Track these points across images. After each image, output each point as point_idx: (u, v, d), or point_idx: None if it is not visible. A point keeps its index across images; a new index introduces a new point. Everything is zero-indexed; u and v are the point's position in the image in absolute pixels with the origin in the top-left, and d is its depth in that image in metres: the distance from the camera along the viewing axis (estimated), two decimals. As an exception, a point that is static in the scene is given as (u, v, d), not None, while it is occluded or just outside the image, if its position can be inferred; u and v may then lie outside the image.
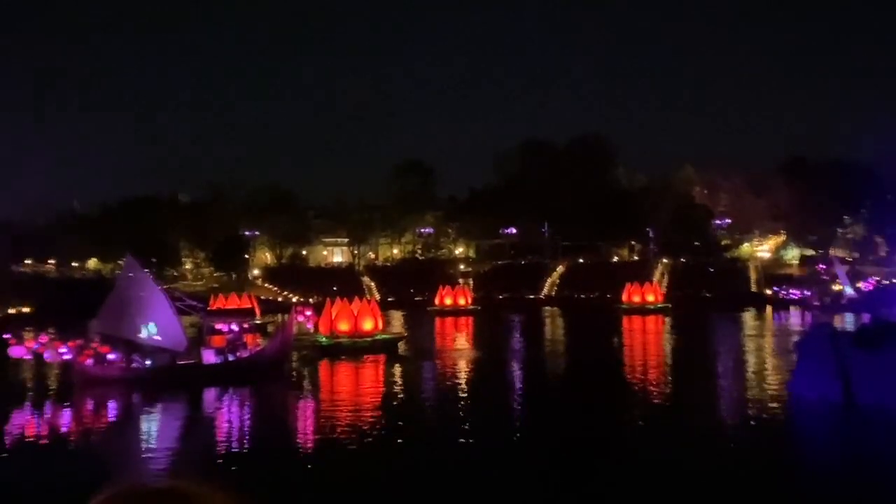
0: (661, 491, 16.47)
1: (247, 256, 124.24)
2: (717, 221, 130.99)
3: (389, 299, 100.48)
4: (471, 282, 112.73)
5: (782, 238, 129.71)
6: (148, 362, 33.02)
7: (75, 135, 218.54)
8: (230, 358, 34.44)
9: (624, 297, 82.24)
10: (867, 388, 24.05)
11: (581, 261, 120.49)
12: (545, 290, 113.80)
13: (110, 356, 33.26)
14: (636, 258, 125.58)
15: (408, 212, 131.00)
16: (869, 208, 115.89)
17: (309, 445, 22.22)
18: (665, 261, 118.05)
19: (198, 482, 1.53)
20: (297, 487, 17.21)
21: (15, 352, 32.67)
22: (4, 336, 34.21)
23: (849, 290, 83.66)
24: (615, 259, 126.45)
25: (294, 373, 36.85)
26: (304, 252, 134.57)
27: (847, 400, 24.46)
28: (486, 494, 16.55)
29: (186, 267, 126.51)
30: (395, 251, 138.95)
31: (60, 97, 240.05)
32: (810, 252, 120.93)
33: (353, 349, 42.95)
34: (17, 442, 22.94)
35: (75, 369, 32.91)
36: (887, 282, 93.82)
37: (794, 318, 70.65)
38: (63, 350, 32.89)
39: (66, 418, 27.17)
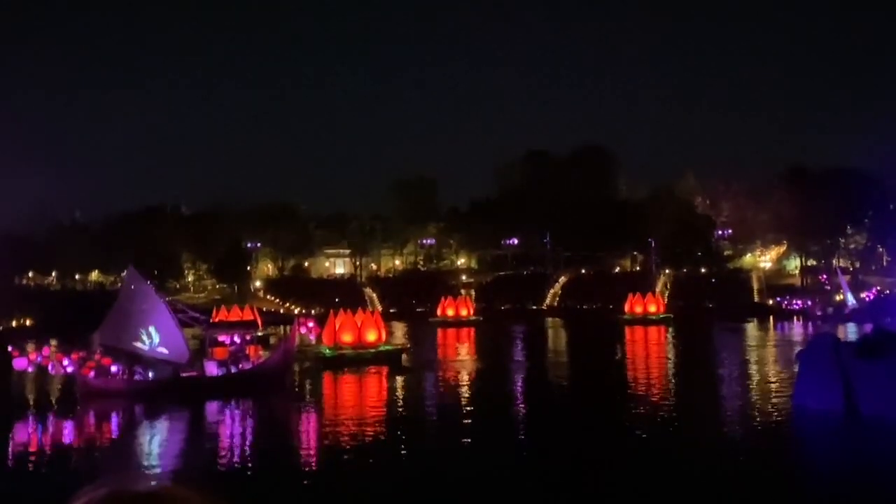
0: (665, 500, 16.45)
1: (249, 268, 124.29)
2: (719, 232, 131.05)
3: (391, 310, 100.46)
4: (473, 293, 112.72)
5: (784, 248, 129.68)
6: (150, 374, 33.03)
7: (78, 145, 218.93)
8: (233, 370, 34.44)
9: (626, 308, 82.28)
10: (870, 398, 24.01)
11: (583, 271, 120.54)
12: (547, 301, 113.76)
13: (113, 368, 33.27)
14: (638, 269, 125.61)
15: (410, 223, 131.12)
16: (871, 218, 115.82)
17: (311, 458, 22.20)
18: (667, 271, 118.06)
19: (182, 486, 1.53)
20: (299, 500, 17.19)
21: (18, 364, 32.66)
22: (7, 348, 34.21)
23: (851, 301, 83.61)
24: (617, 270, 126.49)
25: (297, 385, 36.83)
26: (306, 263, 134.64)
27: (850, 410, 24.41)
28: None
29: (188, 279, 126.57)
30: (397, 262, 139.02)
31: (63, 107, 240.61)
32: (812, 262, 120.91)
33: (357, 360, 42.94)
34: (19, 454, 22.94)
35: (78, 382, 32.90)
36: (889, 292, 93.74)
37: (797, 329, 70.57)
38: (66, 362, 32.89)
39: (68, 431, 27.16)
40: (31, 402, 33.54)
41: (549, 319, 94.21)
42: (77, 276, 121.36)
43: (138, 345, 33.56)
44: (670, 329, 71.08)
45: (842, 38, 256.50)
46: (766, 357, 46.89)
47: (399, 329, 74.95)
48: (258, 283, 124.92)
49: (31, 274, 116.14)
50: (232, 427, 28.06)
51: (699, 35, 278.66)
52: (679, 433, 24.18)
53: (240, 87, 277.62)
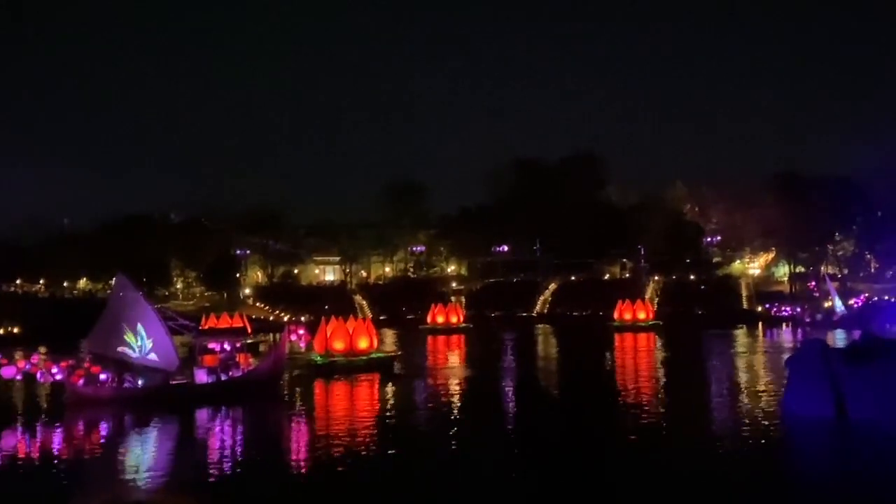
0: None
1: (238, 275, 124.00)
2: (708, 239, 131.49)
3: (381, 317, 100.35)
4: (463, 300, 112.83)
5: (773, 255, 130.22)
6: (140, 382, 32.91)
7: (67, 153, 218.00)
8: (223, 377, 34.35)
9: (615, 315, 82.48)
10: (859, 404, 24.14)
11: (573, 278, 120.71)
12: (537, 308, 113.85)
13: (102, 376, 33.14)
14: (628, 276, 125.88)
15: (400, 230, 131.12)
16: (859, 225, 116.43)
17: (302, 466, 22.15)
18: (656, 278, 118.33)
19: (171, 495, 1.54)
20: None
21: (6, 372, 32.50)
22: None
23: (840, 307, 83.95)
24: (607, 276, 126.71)
25: (287, 392, 36.72)
26: (295, 271, 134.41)
27: (839, 415, 24.54)
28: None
29: (177, 286, 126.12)
30: (388, 269, 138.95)
31: (52, 114, 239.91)
32: (801, 269, 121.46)
33: (349, 368, 42.90)
34: (7, 463, 22.82)
35: (67, 390, 32.76)
36: (877, 298, 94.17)
37: (786, 335, 70.81)
38: (55, 370, 32.76)
39: (57, 439, 27.00)
40: (20, 411, 33.36)
41: (539, 326, 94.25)
42: (65, 284, 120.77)
43: (126, 350, 33.43)
44: (659, 336, 71.23)
45: (831, 46, 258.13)
46: (755, 363, 47.01)
47: (389, 336, 74.87)
48: (247, 291, 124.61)
49: (18, 281, 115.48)
50: (222, 435, 27.96)
51: (689, 43, 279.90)
52: (669, 440, 24.25)
53: (230, 94, 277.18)
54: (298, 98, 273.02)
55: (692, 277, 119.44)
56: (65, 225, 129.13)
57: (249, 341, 57.59)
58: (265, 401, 33.35)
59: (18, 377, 33.41)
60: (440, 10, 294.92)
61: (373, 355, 45.60)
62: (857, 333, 47.74)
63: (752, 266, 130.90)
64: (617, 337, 70.14)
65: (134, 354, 33.37)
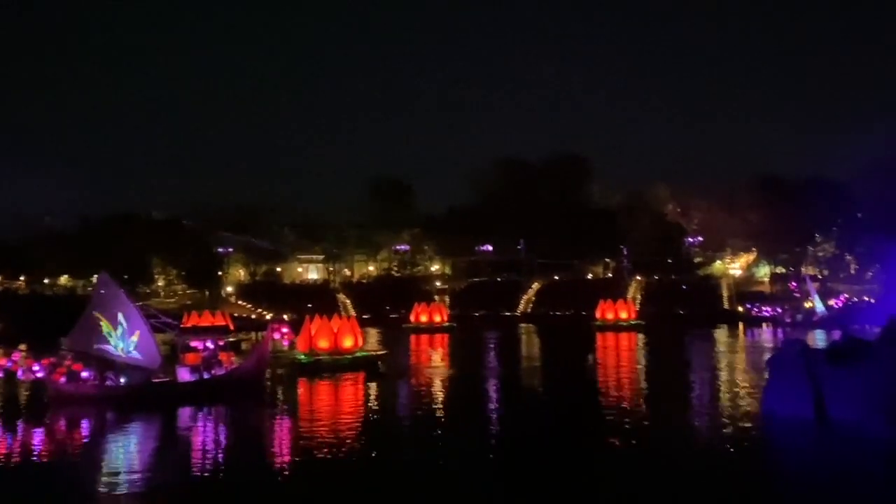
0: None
1: (220, 273, 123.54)
2: (690, 239, 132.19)
3: (365, 316, 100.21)
4: (447, 299, 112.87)
5: (754, 256, 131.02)
6: (122, 380, 32.78)
7: (49, 150, 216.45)
8: (205, 376, 34.27)
9: (597, 314, 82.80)
10: (838, 404, 24.34)
11: (556, 278, 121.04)
12: (521, 308, 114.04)
13: (84, 374, 33.00)
14: (610, 275, 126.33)
15: (384, 229, 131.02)
16: (839, 226, 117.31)
17: (285, 464, 22.15)
18: (639, 278, 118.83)
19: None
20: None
21: (-14, 370, 32.33)
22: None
23: (820, 308, 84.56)
24: (590, 276, 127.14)
25: (271, 391, 36.63)
26: (278, 269, 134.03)
27: (819, 416, 24.73)
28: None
29: (159, 284, 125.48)
30: (371, 268, 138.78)
31: (33, 112, 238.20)
32: (781, 270, 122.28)
33: (333, 367, 42.84)
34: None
35: (49, 387, 32.61)
36: (857, 299, 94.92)
37: (766, 335, 71.28)
38: (36, 368, 32.61)
39: (38, 437, 26.88)
40: (0, 408, 33.15)
41: (523, 326, 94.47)
42: (46, 281, 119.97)
43: (107, 348, 33.30)
44: (641, 335, 71.57)
45: (814, 50, 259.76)
46: (735, 363, 47.33)
47: (372, 335, 74.84)
48: (230, 289, 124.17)
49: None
50: (204, 433, 27.90)
51: (673, 45, 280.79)
52: (649, 439, 24.37)
53: (214, 92, 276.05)
54: (283, 96, 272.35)
55: (674, 277, 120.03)
56: (46, 222, 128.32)
57: (232, 339, 57.55)
58: (248, 400, 33.28)
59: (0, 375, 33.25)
60: (426, 10, 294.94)
61: (357, 354, 45.57)
62: (836, 334, 48.16)
63: (733, 266, 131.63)
64: (599, 336, 70.43)
65: (115, 352, 33.25)
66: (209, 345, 36.87)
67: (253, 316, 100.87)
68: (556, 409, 31.76)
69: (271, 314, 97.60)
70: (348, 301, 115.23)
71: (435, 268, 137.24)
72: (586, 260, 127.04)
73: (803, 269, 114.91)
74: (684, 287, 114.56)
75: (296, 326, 48.06)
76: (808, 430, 24.34)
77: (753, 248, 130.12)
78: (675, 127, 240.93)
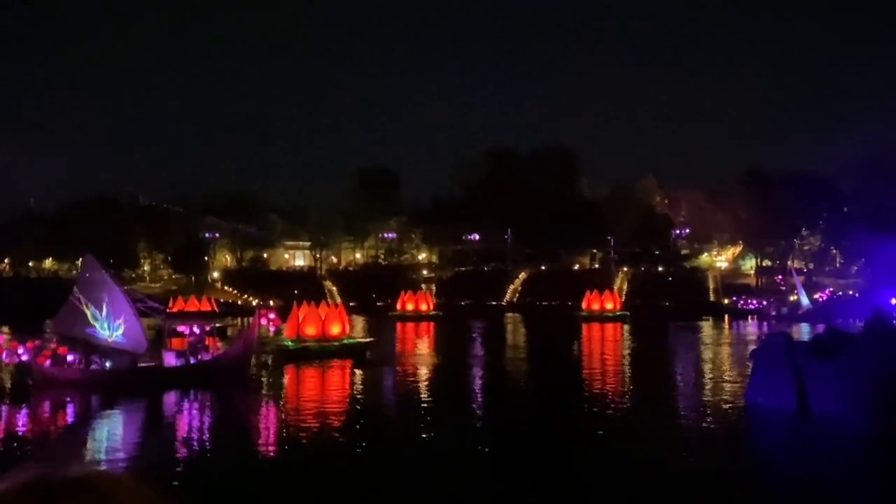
0: (619, 498, 16.69)
1: (206, 259, 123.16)
2: (677, 231, 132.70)
3: (351, 304, 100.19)
4: (433, 288, 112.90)
5: (740, 248, 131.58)
6: (108, 364, 32.65)
7: (34, 132, 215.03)
8: (192, 361, 34.15)
9: (583, 305, 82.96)
10: (821, 397, 24.48)
11: (543, 268, 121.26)
12: (507, 297, 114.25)
13: (69, 357, 32.85)
14: (597, 266, 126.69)
15: (372, 217, 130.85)
16: (825, 220, 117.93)
17: (270, 450, 22.16)
18: (625, 269, 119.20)
19: (113, 472, 1.51)
20: (257, 492, 17.16)
21: (-31, 353, 32.15)
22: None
23: (805, 301, 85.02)
24: (577, 267, 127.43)
25: (257, 377, 36.52)
26: (265, 255, 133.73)
27: (801, 408, 24.87)
28: (444, 495, 16.66)
29: (145, 269, 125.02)
30: (358, 256, 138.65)
31: (18, 93, 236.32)
32: (767, 263, 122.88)
33: (320, 354, 42.75)
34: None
35: (33, 370, 32.44)
36: (842, 293, 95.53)
37: (752, 328, 71.65)
38: (21, 351, 32.44)
39: (22, 420, 26.77)
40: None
41: (509, 315, 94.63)
42: (31, 264, 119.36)
43: (94, 332, 33.16)
44: (626, 326, 71.82)
45: (804, 45, 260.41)
46: (720, 355, 47.58)
47: (359, 323, 74.84)
48: (216, 274, 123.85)
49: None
50: (190, 418, 27.88)
51: (662, 38, 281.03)
52: (633, 429, 24.49)
53: (201, 76, 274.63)
54: (271, 84, 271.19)
55: (661, 269, 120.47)
56: (31, 205, 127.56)
57: (217, 325, 57.44)
58: (234, 385, 33.20)
59: (-17, 358, 33.05)
60: (415, 1, 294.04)
61: (345, 341, 45.51)
62: (821, 327, 48.46)
63: (719, 259, 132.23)
64: (584, 327, 70.63)
65: (101, 336, 33.11)
66: (196, 330, 36.76)
67: (239, 302, 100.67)
68: (540, 399, 31.84)
69: (257, 300, 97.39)
70: (335, 288, 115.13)
71: (422, 256, 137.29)
72: (573, 250, 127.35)
73: (789, 263, 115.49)
74: (670, 279, 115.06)
75: (282, 313, 48.00)
76: (789, 421, 24.49)
77: (740, 241, 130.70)
78: (663, 120, 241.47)
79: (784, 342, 27.47)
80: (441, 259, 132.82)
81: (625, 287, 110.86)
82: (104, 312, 33.08)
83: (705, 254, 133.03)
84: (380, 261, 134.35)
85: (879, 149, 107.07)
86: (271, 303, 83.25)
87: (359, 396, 32.36)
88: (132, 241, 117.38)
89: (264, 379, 36.36)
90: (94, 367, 32.55)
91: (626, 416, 26.76)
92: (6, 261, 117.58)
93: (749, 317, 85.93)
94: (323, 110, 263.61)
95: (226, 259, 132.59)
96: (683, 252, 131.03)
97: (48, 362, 32.48)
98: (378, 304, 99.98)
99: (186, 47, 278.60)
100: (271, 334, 46.02)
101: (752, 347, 36.19)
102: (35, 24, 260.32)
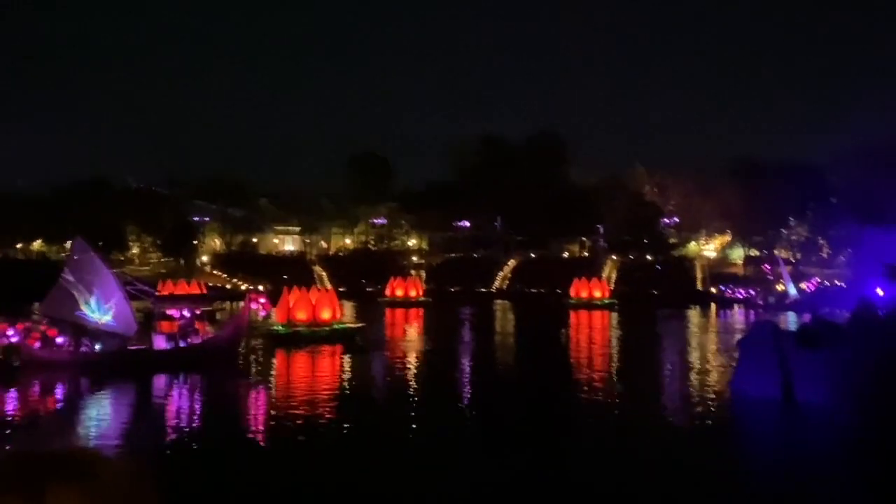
0: (605, 484, 16.88)
1: (196, 242, 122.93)
2: (666, 220, 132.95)
3: (340, 289, 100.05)
4: (423, 274, 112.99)
5: (728, 238, 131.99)
6: (97, 347, 32.70)
7: (23, 113, 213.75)
8: (181, 344, 34.24)
9: (571, 293, 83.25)
10: (807, 386, 24.71)
11: (533, 256, 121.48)
12: (496, 284, 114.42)
13: (59, 340, 32.87)
14: (586, 254, 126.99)
15: (362, 202, 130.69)
16: (813, 210, 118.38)
17: (259, 434, 22.27)
18: (614, 257, 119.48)
19: (97, 451, 1.51)
20: (246, 475, 17.27)
21: (-42, 335, 32.11)
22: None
23: (792, 291, 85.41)
24: (566, 255, 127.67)
25: (247, 361, 36.58)
26: (254, 240, 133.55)
27: (787, 397, 25.12)
28: (433, 481, 16.82)
29: (133, 251, 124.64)
30: (348, 241, 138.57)
31: (6, 75, 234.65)
32: (755, 252, 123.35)
33: (311, 338, 42.82)
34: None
35: (23, 352, 32.43)
36: (829, 283, 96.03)
37: (739, 317, 72.02)
38: (10, 332, 32.43)
39: (11, 402, 26.81)
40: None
41: (498, 302, 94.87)
42: (19, 246, 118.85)
43: (84, 314, 33.15)
44: (614, 314, 72.14)
45: (793, 35, 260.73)
46: (707, 344, 47.88)
47: (348, 308, 74.95)
48: (205, 258, 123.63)
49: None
50: (179, 402, 27.97)
51: (654, 26, 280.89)
52: (618, 416, 24.71)
53: (193, 60, 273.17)
54: (264, 67, 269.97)
55: (649, 258, 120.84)
56: (19, 186, 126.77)
57: (207, 309, 57.51)
58: (224, 369, 33.31)
59: (-29, 339, 32.97)
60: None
61: (336, 326, 45.59)
62: (808, 317, 48.75)
63: (707, 248, 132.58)
64: (573, 314, 70.92)
65: (91, 319, 33.12)
66: (185, 313, 36.82)
67: (228, 286, 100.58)
68: (527, 385, 32.00)
69: (246, 285, 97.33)
70: (324, 273, 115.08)
71: (412, 242, 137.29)
72: (563, 238, 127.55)
73: (776, 253, 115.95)
74: (659, 267, 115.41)
75: (272, 297, 48.04)
76: (774, 410, 24.72)
77: (728, 231, 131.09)
78: (655, 108, 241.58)
79: (770, 331, 27.67)
80: (431, 245, 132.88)
81: (613, 275, 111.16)
82: (94, 295, 33.07)
83: (693, 243, 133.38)
84: (370, 246, 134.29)
85: (868, 140, 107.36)
86: (260, 287, 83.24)
87: (348, 381, 32.48)
88: (121, 223, 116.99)
89: (255, 363, 36.43)
90: (83, 349, 32.59)
91: (612, 404, 26.95)
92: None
93: (736, 306, 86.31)
94: (315, 95, 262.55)
95: (215, 243, 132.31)
96: (672, 241, 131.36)
97: (37, 344, 32.49)
98: (367, 289, 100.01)
99: (177, 30, 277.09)
100: (260, 319, 46.09)
101: (738, 336, 36.43)
102: (24, 6, 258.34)
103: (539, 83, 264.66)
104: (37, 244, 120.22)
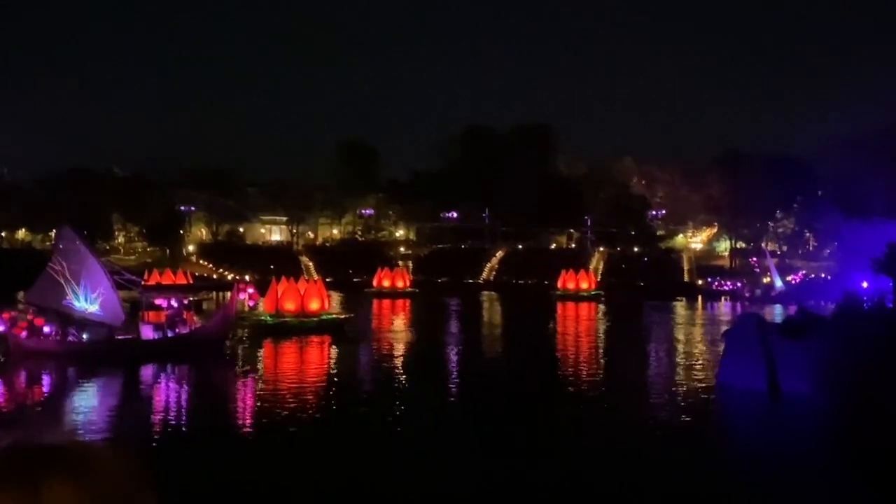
0: (590, 474, 16.98)
1: (182, 232, 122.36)
2: (653, 212, 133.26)
3: (327, 280, 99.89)
4: (410, 264, 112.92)
5: (715, 230, 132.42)
6: (85, 336, 32.57)
7: (7, 102, 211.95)
8: (169, 334, 34.14)
9: (559, 284, 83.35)
10: (791, 378, 24.90)
11: (520, 247, 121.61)
12: (484, 275, 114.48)
13: (46, 329, 32.74)
14: (574, 246, 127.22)
15: (349, 192, 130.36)
16: (800, 203, 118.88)
17: (247, 424, 22.28)
18: (601, 249, 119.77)
19: (92, 442, 1.51)
20: (233, 465, 17.28)
21: (-55, 324, 31.96)
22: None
23: (778, 283, 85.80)
24: (553, 246, 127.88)
25: (235, 351, 36.50)
26: (241, 229, 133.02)
27: (772, 388, 25.30)
28: (419, 471, 16.89)
29: (119, 241, 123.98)
30: (335, 231, 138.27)
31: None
32: (742, 245, 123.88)
33: (299, 329, 42.75)
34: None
35: (10, 341, 32.29)
36: (815, 275, 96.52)
37: (725, 309, 72.34)
38: (-3, 321, 32.29)
39: (-2, 392, 26.73)
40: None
41: (485, 293, 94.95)
42: (3, 234, 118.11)
43: (71, 303, 33.02)
44: (601, 306, 72.33)
45: (783, 28, 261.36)
46: (693, 335, 48.09)
47: (335, 299, 74.90)
48: (191, 248, 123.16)
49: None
50: (167, 391, 27.95)
51: (643, 18, 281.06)
52: (605, 408, 24.82)
53: (180, 49, 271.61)
54: (253, 57, 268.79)
55: (636, 250, 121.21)
56: (3, 174, 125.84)
57: (193, 299, 57.30)
58: (212, 359, 33.26)
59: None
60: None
61: (324, 317, 45.54)
62: (793, 309, 49.01)
63: (694, 240, 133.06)
64: (559, 306, 71.03)
65: (78, 308, 32.99)
66: (174, 303, 36.73)
67: (214, 276, 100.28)
68: (514, 377, 32.03)
69: (232, 275, 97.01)
70: (311, 264, 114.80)
71: (399, 233, 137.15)
72: (550, 230, 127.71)
73: (763, 245, 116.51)
74: (646, 259, 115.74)
75: (260, 287, 47.96)
76: (759, 401, 24.90)
77: (715, 223, 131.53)
78: (643, 100, 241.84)
79: (756, 323, 27.85)
80: (418, 236, 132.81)
81: (600, 267, 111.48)
82: (81, 284, 32.94)
83: (680, 235, 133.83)
84: (357, 237, 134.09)
85: (855, 133, 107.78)
86: (247, 277, 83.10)
87: (336, 372, 32.51)
88: (107, 212, 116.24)
89: (243, 354, 36.34)
90: (71, 338, 32.47)
91: (599, 395, 27.06)
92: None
93: (722, 298, 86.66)
94: (302, 86, 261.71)
95: (201, 232, 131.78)
96: (659, 233, 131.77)
97: (24, 333, 32.35)
98: (355, 280, 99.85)
99: (166, 20, 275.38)
100: (248, 309, 46.02)
101: (724, 328, 36.64)
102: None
103: (528, 74, 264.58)
104: (21, 233, 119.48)
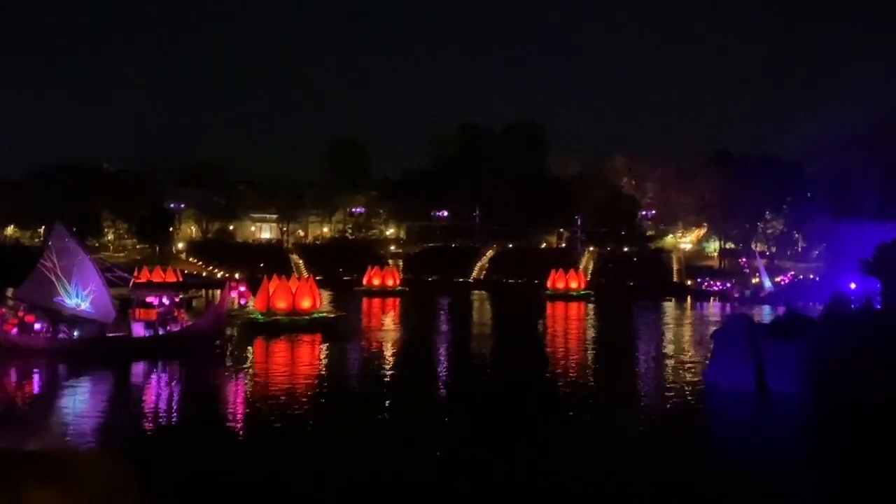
0: (577, 472, 17.10)
1: (171, 229, 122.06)
2: (643, 212, 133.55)
3: (317, 278, 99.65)
4: (400, 263, 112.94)
5: (704, 230, 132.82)
6: (75, 333, 32.51)
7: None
8: (160, 332, 34.11)
9: (548, 283, 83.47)
10: (779, 378, 25.10)
11: (510, 246, 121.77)
12: (474, 274, 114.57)
13: (36, 326, 32.66)
14: (564, 245, 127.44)
15: (340, 190, 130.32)
16: (789, 204, 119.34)
17: (238, 422, 22.32)
18: (591, 249, 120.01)
19: (77, 447, 1.59)
20: (224, 463, 17.34)
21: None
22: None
23: (767, 284, 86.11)
24: (543, 245, 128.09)
25: (227, 349, 36.46)
26: (231, 227, 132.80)
27: (760, 388, 25.49)
28: (410, 467, 16.98)
29: (108, 237, 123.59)
30: (326, 230, 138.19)
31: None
32: (731, 245, 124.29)
33: (291, 327, 42.71)
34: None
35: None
36: (803, 276, 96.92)
37: (714, 309, 72.60)
38: (-13, 319, 32.19)
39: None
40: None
41: (475, 292, 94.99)
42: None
43: (63, 300, 32.96)
44: (590, 305, 72.49)
45: (771, 28, 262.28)
46: (682, 335, 48.31)
47: (325, 297, 74.86)
48: (181, 245, 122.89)
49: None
50: (158, 389, 27.95)
51: (634, 20, 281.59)
52: (594, 407, 24.94)
53: (171, 45, 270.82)
54: (245, 55, 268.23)
55: (626, 249, 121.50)
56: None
57: (183, 296, 57.24)
58: (203, 357, 33.24)
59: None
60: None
61: (315, 315, 45.53)
62: (782, 309, 49.29)
63: (683, 241, 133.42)
64: (549, 305, 71.16)
65: (69, 305, 32.94)
66: (165, 301, 36.69)
67: (203, 273, 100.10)
68: (504, 376, 32.11)
69: (222, 272, 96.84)
70: (301, 262, 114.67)
71: (389, 232, 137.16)
72: (540, 229, 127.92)
73: (752, 246, 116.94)
74: (635, 259, 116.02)
75: (251, 285, 47.90)
76: (747, 401, 25.09)
77: (704, 223, 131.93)
78: (634, 102, 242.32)
79: (745, 324, 28.04)
80: (408, 235, 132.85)
81: (590, 266, 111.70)
82: (73, 281, 32.88)
83: (670, 235, 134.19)
84: (347, 235, 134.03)
85: (844, 134, 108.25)
86: (237, 275, 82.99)
87: (327, 370, 32.56)
88: (96, 209, 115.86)
89: (234, 352, 36.29)
90: (61, 335, 32.41)
91: (588, 394, 27.19)
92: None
93: (712, 298, 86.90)
94: (294, 83, 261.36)
95: (191, 230, 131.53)
96: (649, 233, 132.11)
97: (15, 330, 32.27)
98: (345, 278, 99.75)
99: (157, 15, 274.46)
100: (237, 307, 45.98)
101: (713, 328, 36.83)
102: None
103: (519, 73, 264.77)
104: (10, 230, 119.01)
